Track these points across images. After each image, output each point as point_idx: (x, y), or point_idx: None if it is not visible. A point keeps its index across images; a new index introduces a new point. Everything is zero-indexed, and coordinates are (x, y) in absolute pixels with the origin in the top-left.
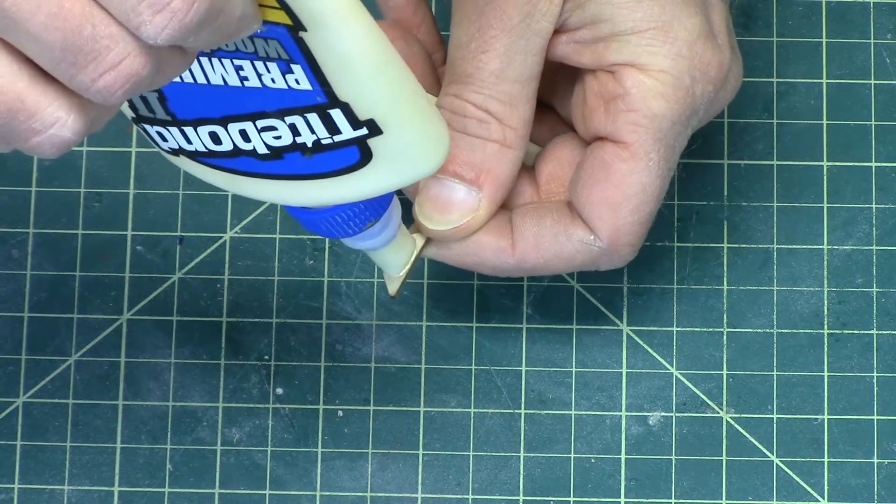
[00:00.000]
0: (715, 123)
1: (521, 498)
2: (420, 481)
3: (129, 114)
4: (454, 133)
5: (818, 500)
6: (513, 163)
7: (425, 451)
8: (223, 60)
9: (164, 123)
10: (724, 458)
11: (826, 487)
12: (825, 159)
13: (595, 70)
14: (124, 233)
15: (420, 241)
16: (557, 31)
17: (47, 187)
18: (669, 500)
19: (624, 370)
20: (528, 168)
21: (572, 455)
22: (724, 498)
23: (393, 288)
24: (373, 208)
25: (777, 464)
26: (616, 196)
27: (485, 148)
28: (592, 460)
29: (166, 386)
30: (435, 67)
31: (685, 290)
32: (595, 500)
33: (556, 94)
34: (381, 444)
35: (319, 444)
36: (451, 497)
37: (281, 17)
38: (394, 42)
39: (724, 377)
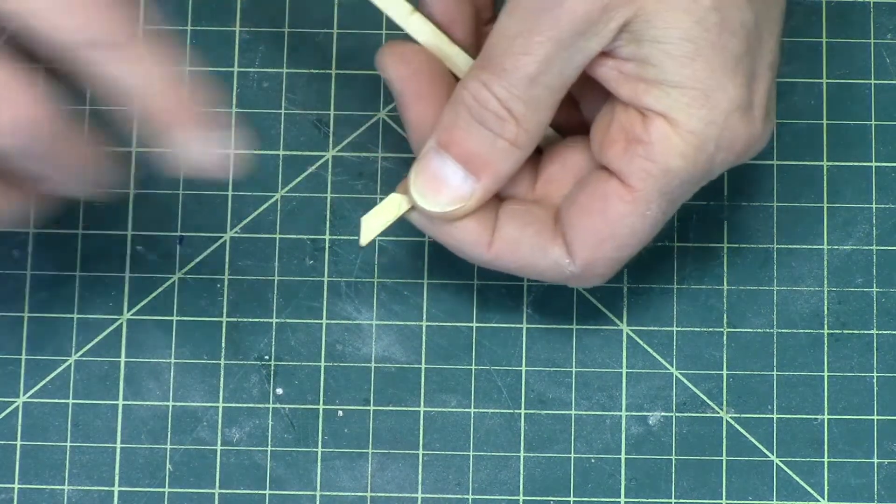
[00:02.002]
0: None
1: (521, 498)
2: (420, 481)
3: None
4: (469, 120)
5: (818, 500)
6: (517, 162)
7: (425, 451)
8: None
9: None
10: (724, 458)
11: (826, 487)
12: (825, 159)
13: (627, 104)
14: (124, 233)
15: (405, 205)
16: (605, 54)
17: None
18: (669, 500)
19: (624, 370)
20: (532, 158)
21: (572, 455)
22: (724, 498)
23: (364, 239)
24: None
25: (777, 464)
26: (604, 231)
27: (495, 143)
28: (592, 460)
29: (166, 386)
30: (481, 26)
31: (685, 290)
32: (595, 500)
33: (587, 98)
34: (381, 444)
35: (319, 444)
36: (451, 497)
37: None
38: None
39: (724, 377)
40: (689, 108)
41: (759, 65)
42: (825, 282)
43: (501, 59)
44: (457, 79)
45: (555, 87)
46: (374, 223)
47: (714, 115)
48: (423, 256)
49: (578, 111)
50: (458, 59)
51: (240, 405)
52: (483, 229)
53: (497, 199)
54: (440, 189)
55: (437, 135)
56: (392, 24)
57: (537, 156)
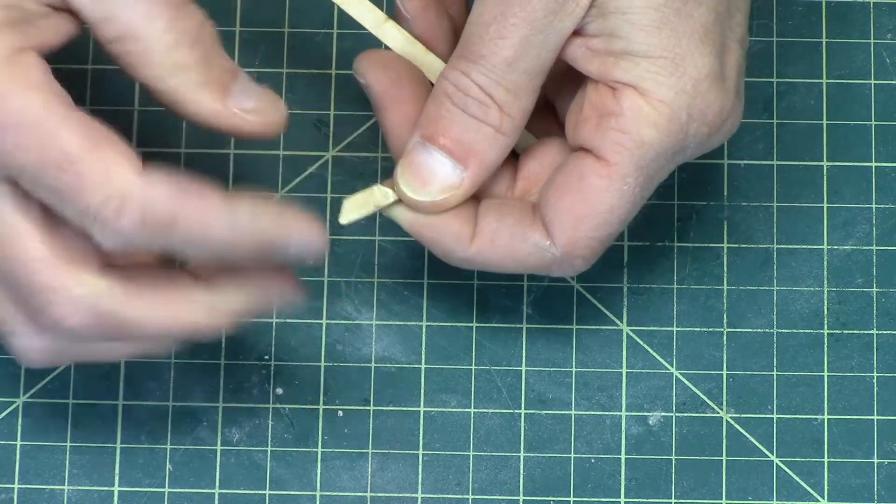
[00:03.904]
0: None
1: (521, 498)
2: (420, 481)
3: None
4: (452, 108)
5: (818, 500)
6: (503, 149)
7: (425, 451)
8: None
9: None
10: (724, 458)
11: (826, 487)
12: (825, 159)
13: (598, 81)
14: None
15: (391, 197)
16: (574, 34)
17: None
18: (669, 500)
19: (624, 370)
20: (511, 159)
21: (572, 455)
22: (724, 498)
23: (346, 219)
24: None
25: (777, 464)
26: (582, 209)
27: (479, 129)
28: (592, 460)
29: (166, 386)
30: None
31: (685, 290)
32: (595, 500)
33: (561, 95)
34: (381, 444)
35: (319, 444)
36: (451, 497)
37: None
38: (425, 12)
39: (724, 377)
40: (659, 77)
41: (728, 38)
42: (825, 282)
43: (478, 46)
44: (433, 85)
45: (533, 71)
46: (353, 206)
47: (683, 82)
48: (423, 256)
49: (555, 116)
50: (433, 66)
51: (240, 405)
52: (464, 224)
53: (477, 200)
54: (429, 180)
55: (420, 129)
56: None
57: (515, 158)
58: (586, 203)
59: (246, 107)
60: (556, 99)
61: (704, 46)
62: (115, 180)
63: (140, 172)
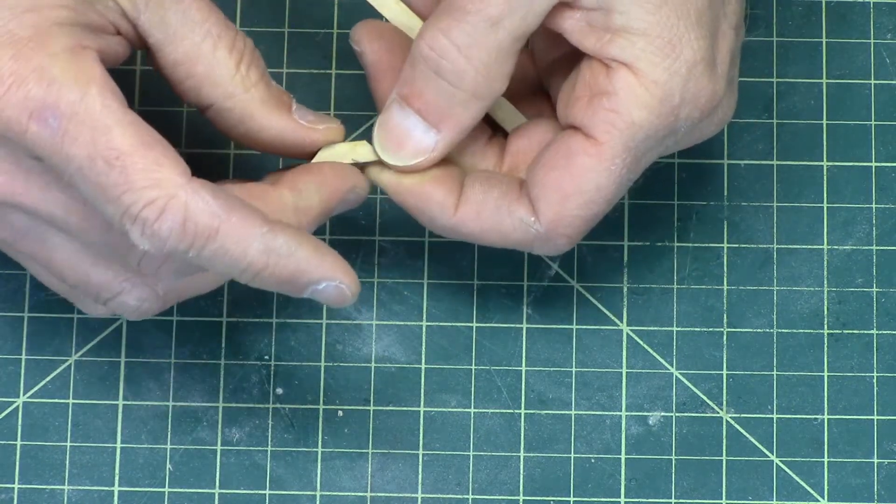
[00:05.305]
0: None
1: (521, 498)
2: (420, 481)
3: None
4: (427, 71)
5: (818, 500)
6: (478, 113)
7: (425, 451)
8: None
9: None
10: (724, 458)
11: (826, 487)
12: (825, 159)
13: (592, 58)
14: None
15: (371, 156)
16: (571, 6)
17: None
18: (669, 500)
19: (624, 370)
20: (499, 137)
21: (572, 455)
22: (724, 498)
23: (318, 159)
24: None
25: (777, 464)
26: (569, 186)
27: (454, 94)
28: (592, 460)
29: (166, 386)
30: None
31: (685, 290)
32: (595, 500)
33: (556, 79)
34: (381, 444)
35: (319, 444)
36: (451, 497)
37: None
38: None
39: (724, 377)
40: (654, 58)
41: (722, 23)
42: (825, 282)
43: (465, 2)
44: None
45: (517, 33)
46: (335, 154)
47: (678, 65)
48: (423, 256)
49: (548, 100)
50: None
51: (240, 405)
52: (448, 192)
53: (462, 170)
54: (402, 144)
55: (398, 88)
56: None
57: (504, 136)
58: (573, 181)
59: (309, 119)
60: (550, 83)
61: (700, 30)
62: (161, 182)
63: (188, 178)
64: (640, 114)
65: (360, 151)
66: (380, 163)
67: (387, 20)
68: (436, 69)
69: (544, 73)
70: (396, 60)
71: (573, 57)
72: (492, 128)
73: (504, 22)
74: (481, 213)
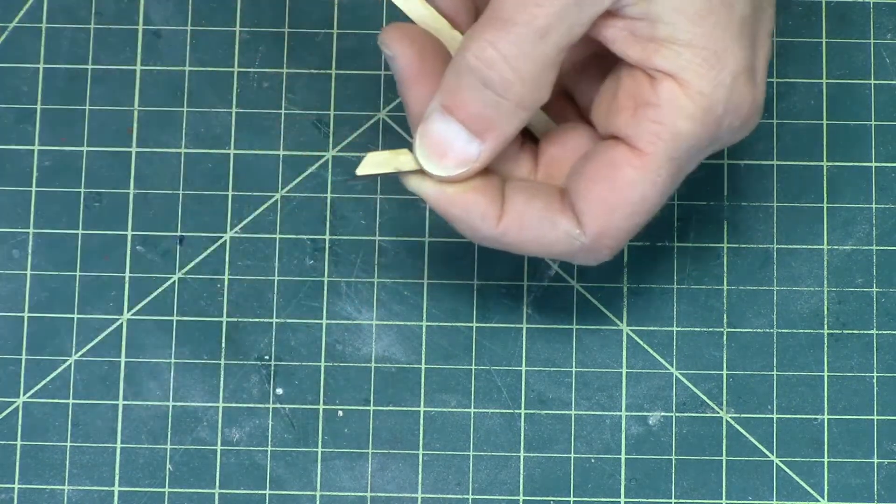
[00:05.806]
0: None
1: (521, 498)
2: (420, 481)
3: None
4: (473, 81)
5: (818, 500)
6: (522, 123)
7: (425, 451)
8: None
9: None
10: (724, 458)
11: (826, 487)
12: (825, 159)
13: (634, 68)
14: (124, 233)
15: (414, 165)
16: (614, 15)
17: (47, 187)
18: (669, 500)
19: (624, 370)
20: (530, 143)
21: (572, 455)
22: (724, 498)
23: (363, 171)
24: None
25: (777, 464)
26: (615, 199)
27: (500, 105)
28: (592, 460)
29: (166, 386)
30: None
31: (685, 290)
32: (595, 500)
33: (581, 83)
34: (381, 444)
35: (319, 444)
36: (451, 497)
37: None
38: None
39: (724, 377)
40: (700, 69)
41: (760, 31)
42: (825, 282)
43: (512, 11)
44: None
45: (562, 44)
46: (374, 162)
47: (723, 76)
48: (423, 256)
49: (572, 102)
50: (457, 42)
51: (240, 405)
52: (491, 202)
53: (499, 178)
54: (445, 153)
55: (440, 97)
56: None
57: (534, 142)
58: (619, 193)
59: None
60: (574, 86)
61: (742, 40)
62: None
63: None
64: (685, 125)
65: (402, 160)
66: (420, 172)
67: (412, 21)
68: (482, 80)
69: (567, 75)
70: (428, 65)
71: (597, 60)
72: (521, 133)
73: (552, 33)
74: (524, 224)
